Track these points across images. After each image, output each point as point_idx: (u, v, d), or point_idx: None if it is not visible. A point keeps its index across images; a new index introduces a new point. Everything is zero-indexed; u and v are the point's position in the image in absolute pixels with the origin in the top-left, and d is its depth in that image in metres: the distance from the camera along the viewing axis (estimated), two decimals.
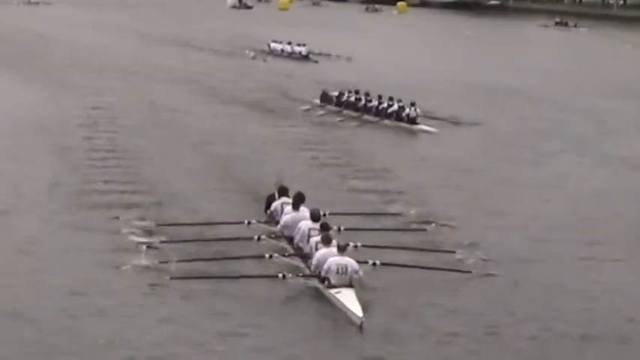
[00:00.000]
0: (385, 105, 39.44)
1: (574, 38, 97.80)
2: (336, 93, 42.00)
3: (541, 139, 36.52)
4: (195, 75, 53.46)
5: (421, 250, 20.55)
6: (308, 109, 41.58)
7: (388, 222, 22.90)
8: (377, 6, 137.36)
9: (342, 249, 18.37)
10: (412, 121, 38.37)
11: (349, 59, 63.25)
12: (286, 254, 19.90)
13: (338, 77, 51.24)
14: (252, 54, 65.05)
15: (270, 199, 22.77)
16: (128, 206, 23.61)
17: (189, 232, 21.34)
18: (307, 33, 76.85)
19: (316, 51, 65.64)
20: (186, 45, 70.32)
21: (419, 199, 25.58)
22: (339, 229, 21.14)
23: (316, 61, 63.36)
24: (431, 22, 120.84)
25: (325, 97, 42.43)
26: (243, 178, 27.85)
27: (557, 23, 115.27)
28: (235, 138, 34.63)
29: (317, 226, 19.90)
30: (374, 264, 18.92)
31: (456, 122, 39.74)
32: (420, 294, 18.36)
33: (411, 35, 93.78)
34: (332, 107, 41.53)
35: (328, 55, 65.29)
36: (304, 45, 65.51)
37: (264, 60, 62.92)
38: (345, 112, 40.71)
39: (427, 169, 30.81)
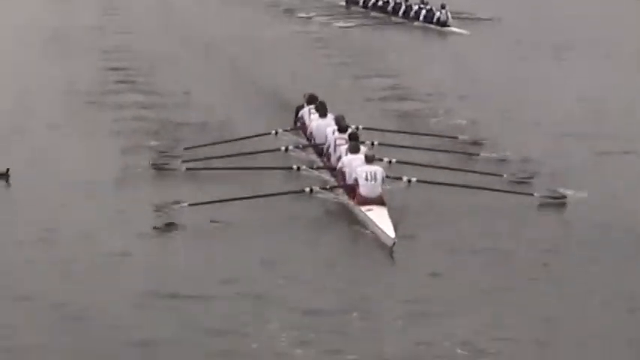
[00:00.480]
0: (415, 8, 38.10)
1: None
2: None
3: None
4: None
5: (464, 171, 18.73)
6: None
7: (426, 141, 21.24)
8: None
9: (369, 159, 17.04)
10: (443, 24, 37.05)
11: None
12: (314, 166, 18.78)
13: None
14: None
15: (299, 110, 21.75)
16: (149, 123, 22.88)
17: (216, 151, 19.88)
18: None
19: None
20: None
21: (458, 111, 24.41)
22: (372, 144, 19.86)
23: None
24: None
25: None
26: (267, 85, 26.79)
27: None
28: (254, 41, 33.40)
29: (344, 135, 18.70)
30: (409, 181, 17.54)
31: (488, 20, 38.25)
32: (461, 215, 17.00)
33: None
34: (358, 9, 40.20)
35: None
36: None
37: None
38: (373, 13, 39.38)
39: (460, 74, 29.55)
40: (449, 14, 37.24)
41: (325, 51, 32.57)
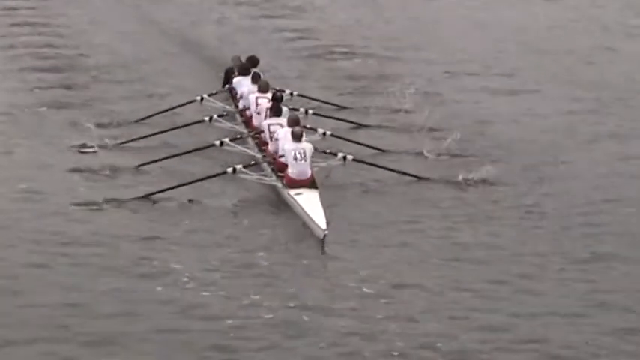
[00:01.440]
0: None
1: None
2: None
3: None
4: None
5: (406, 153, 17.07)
6: None
7: (368, 116, 19.31)
8: None
9: (297, 136, 14.88)
10: None
11: None
12: (239, 136, 16.78)
13: None
14: None
15: (230, 73, 19.58)
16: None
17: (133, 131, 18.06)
18: None
19: None
20: None
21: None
22: (306, 112, 17.89)
23: None
24: None
25: None
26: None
27: None
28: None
29: (266, 96, 16.88)
30: (344, 158, 15.52)
31: None
32: (394, 200, 15.16)
33: None
34: None
35: None
36: None
37: None
38: None
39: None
40: None
41: None
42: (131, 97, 20.77)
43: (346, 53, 25.05)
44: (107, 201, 14.48)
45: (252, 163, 15.44)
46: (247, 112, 17.62)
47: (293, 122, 15.34)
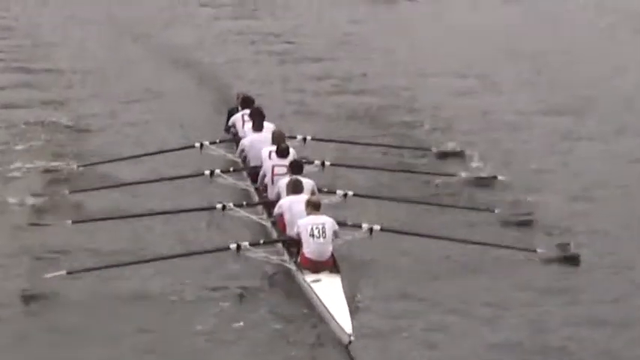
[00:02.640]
0: None
1: None
2: None
3: None
4: None
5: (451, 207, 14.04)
6: None
7: (394, 155, 16.51)
8: None
9: (315, 206, 11.96)
10: None
11: None
12: (246, 203, 13.60)
13: None
14: None
15: (232, 113, 16.67)
16: None
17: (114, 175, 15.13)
18: None
19: None
20: None
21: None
22: (322, 164, 14.89)
23: None
24: None
25: None
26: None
27: None
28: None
29: (284, 162, 13.71)
30: (370, 229, 12.41)
31: None
32: (442, 282, 11.88)
33: None
34: None
35: None
36: None
37: None
38: None
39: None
40: None
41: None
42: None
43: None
44: None
45: (261, 242, 12.32)
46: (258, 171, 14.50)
47: (295, 185, 12.57)
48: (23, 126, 18.49)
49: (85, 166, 15.41)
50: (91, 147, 17.02)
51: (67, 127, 18.47)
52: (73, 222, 12.87)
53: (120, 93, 20.92)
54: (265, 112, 15.60)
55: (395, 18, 30.28)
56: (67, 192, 14.23)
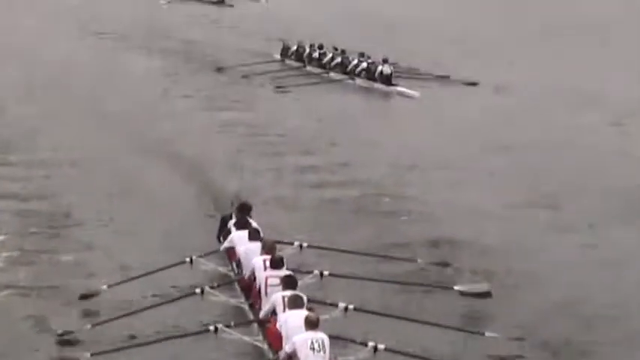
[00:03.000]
0: (354, 62, 32.39)
1: None
2: (295, 47, 34.78)
3: None
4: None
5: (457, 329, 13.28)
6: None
7: (396, 268, 15.68)
8: None
9: (313, 323, 11.48)
10: (387, 79, 31.37)
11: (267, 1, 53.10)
12: (236, 323, 12.89)
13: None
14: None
15: (226, 221, 15.99)
16: None
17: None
18: None
19: None
20: None
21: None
22: (321, 274, 14.24)
23: (232, 5, 52.13)
24: None
25: (286, 51, 35.13)
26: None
27: None
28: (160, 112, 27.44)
29: (279, 273, 13.14)
30: (375, 348, 11.83)
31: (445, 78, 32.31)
32: None
33: None
34: (293, 62, 34.44)
35: None
36: None
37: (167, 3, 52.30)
38: (309, 68, 33.66)
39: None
40: (392, 68, 31.61)
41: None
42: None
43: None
44: None
45: None
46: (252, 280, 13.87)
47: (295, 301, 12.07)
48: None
49: None
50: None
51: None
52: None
53: (101, 189, 20.11)
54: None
55: (384, 111, 29.92)
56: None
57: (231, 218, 15.85)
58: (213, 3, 52.65)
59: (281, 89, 30.79)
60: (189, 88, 30.78)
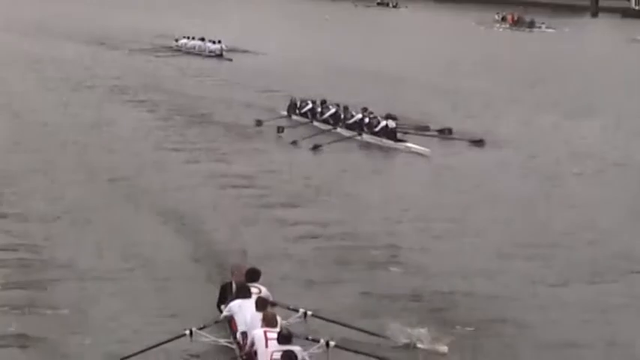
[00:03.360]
0: (359, 117, 31.81)
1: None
2: (299, 102, 34.46)
3: None
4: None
5: None
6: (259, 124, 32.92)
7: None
8: None
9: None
10: (392, 134, 30.72)
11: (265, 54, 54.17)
12: None
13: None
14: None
15: (226, 289, 15.22)
16: None
17: None
18: None
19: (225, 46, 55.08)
20: None
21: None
22: (327, 344, 13.48)
23: (230, 59, 53.17)
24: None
25: (293, 107, 34.64)
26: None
27: (378, 4, 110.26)
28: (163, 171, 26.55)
29: (273, 330, 12.73)
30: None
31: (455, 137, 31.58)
32: None
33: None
34: (299, 118, 33.92)
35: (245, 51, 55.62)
36: (219, 42, 54.77)
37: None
38: (316, 124, 33.11)
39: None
40: (395, 123, 31.04)
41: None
42: None
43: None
44: None
45: None
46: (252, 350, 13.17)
47: None
48: None
49: None
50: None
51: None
52: None
53: (91, 245, 19.31)
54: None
55: (391, 168, 29.23)
56: None
57: (231, 286, 15.10)
58: (212, 56, 53.34)
59: (294, 144, 30.23)
60: (204, 146, 29.77)
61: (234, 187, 24.29)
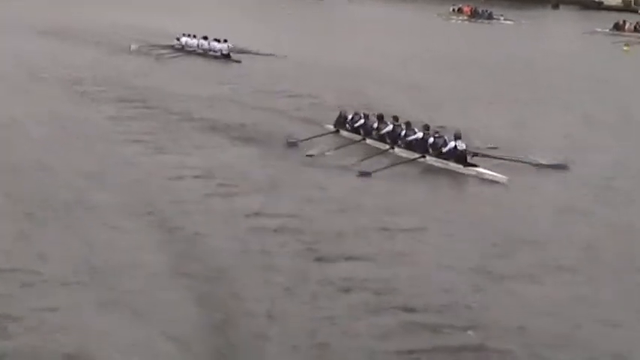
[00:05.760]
0: (420, 135, 27.73)
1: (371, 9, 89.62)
2: (351, 115, 30.27)
3: None
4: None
5: None
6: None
7: None
8: None
9: None
10: (462, 158, 26.66)
11: (276, 57, 48.21)
12: None
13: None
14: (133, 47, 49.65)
15: None
16: None
17: None
18: None
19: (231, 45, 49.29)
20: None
21: None
22: None
23: (239, 61, 47.72)
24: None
25: (341, 121, 30.49)
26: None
27: None
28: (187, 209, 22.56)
29: None
30: None
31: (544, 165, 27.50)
32: None
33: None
34: (348, 134, 29.79)
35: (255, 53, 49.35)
36: (225, 41, 48.84)
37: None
38: (368, 141, 29.03)
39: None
40: (464, 144, 27.04)
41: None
42: None
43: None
44: None
45: None
46: None
47: None
48: None
49: None
50: None
51: None
52: None
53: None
54: None
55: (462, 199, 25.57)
56: None
57: None
58: (218, 57, 48.20)
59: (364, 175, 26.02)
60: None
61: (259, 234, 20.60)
